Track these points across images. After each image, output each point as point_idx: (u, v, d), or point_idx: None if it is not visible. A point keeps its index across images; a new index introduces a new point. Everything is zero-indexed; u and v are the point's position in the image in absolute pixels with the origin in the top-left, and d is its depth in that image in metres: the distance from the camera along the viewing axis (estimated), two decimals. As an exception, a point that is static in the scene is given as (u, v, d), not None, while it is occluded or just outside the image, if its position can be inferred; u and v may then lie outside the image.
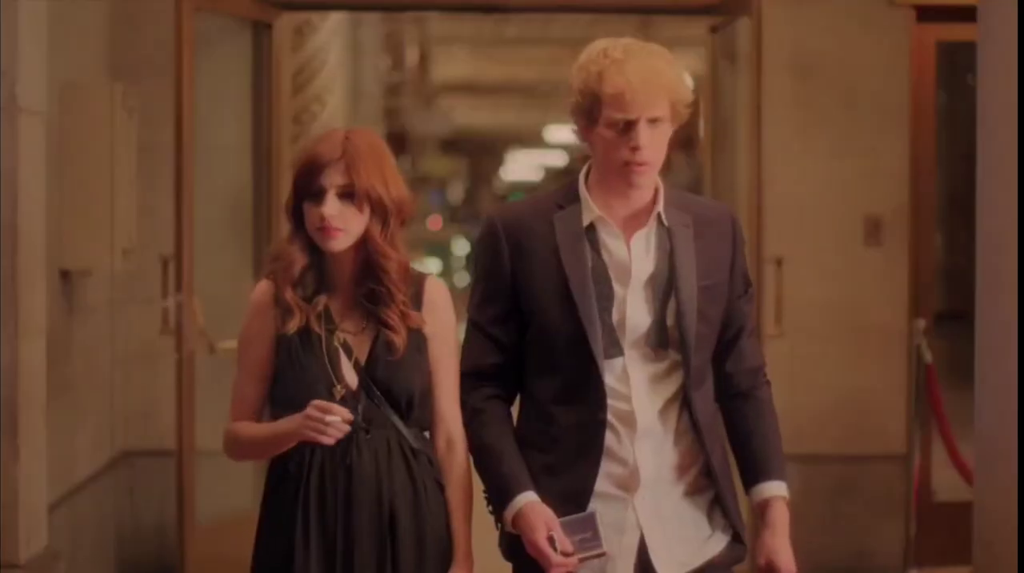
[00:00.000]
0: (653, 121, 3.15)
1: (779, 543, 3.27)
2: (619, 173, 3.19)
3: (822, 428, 6.81)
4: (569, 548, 3.13)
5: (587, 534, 3.14)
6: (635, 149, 3.14)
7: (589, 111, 3.18)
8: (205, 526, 6.28)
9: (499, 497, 3.23)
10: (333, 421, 3.12)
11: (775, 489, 3.31)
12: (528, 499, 3.19)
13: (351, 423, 3.21)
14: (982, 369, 4.49)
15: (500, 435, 3.27)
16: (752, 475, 3.32)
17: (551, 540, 3.14)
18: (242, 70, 6.93)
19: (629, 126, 3.14)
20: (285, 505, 3.27)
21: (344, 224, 3.23)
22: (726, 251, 3.29)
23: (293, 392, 3.23)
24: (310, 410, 3.14)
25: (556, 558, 3.12)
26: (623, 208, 3.24)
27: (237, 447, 3.35)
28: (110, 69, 6.54)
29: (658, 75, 3.15)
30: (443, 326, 3.35)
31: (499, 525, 3.28)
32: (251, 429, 3.31)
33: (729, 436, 3.36)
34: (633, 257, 3.22)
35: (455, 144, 26.58)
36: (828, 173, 6.89)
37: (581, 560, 3.13)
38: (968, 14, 4.96)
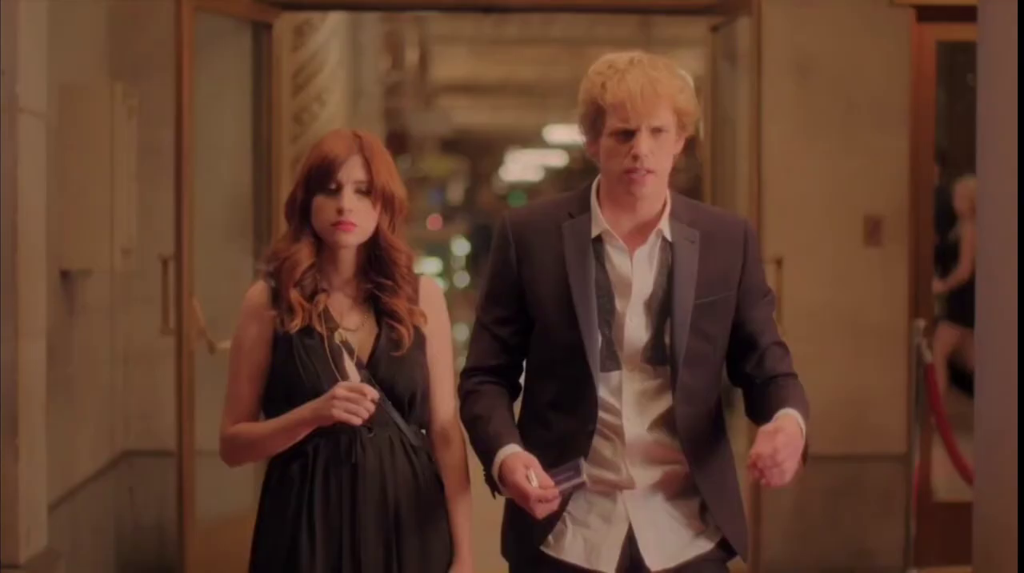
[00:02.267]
0: (655, 131, 3.17)
1: (770, 434, 3.06)
2: (621, 181, 3.20)
3: (822, 428, 6.79)
4: (548, 483, 3.09)
5: (570, 472, 3.11)
6: (636, 157, 3.16)
7: (593, 122, 3.22)
8: (205, 526, 6.28)
9: (487, 458, 3.21)
10: (364, 402, 3.15)
11: (786, 412, 3.14)
12: (511, 450, 3.17)
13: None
14: (982, 369, 4.48)
15: (490, 405, 3.27)
16: (770, 414, 3.17)
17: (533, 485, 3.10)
18: (242, 70, 6.93)
19: (630, 135, 3.16)
20: (288, 505, 3.28)
21: (359, 219, 3.27)
22: (734, 265, 3.28)
23: (296, 391, 3.24)
24: (340, 391, 3.16)
25: (534, 490, 3.09)
26: (629, 222, 3.25)
27: (239, 450, 3.35)
28: (110, 69, 6.54)
29: (659, 84, 3.17)
30: (439, 325, 3.39)
31: (495, 493, 3.26)
32: (256, 427, 3.31)
33: (757, 417, 3.29)
34: (635, 273, 3.23)
35: (455, 144, 26.58)
36: (828, 173, 6.89)
37: (562, 492, 3.09)
38: (968, 14, 4.96)
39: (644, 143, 3.15)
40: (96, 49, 6.45)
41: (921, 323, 6.64)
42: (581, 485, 3.11)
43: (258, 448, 3.33)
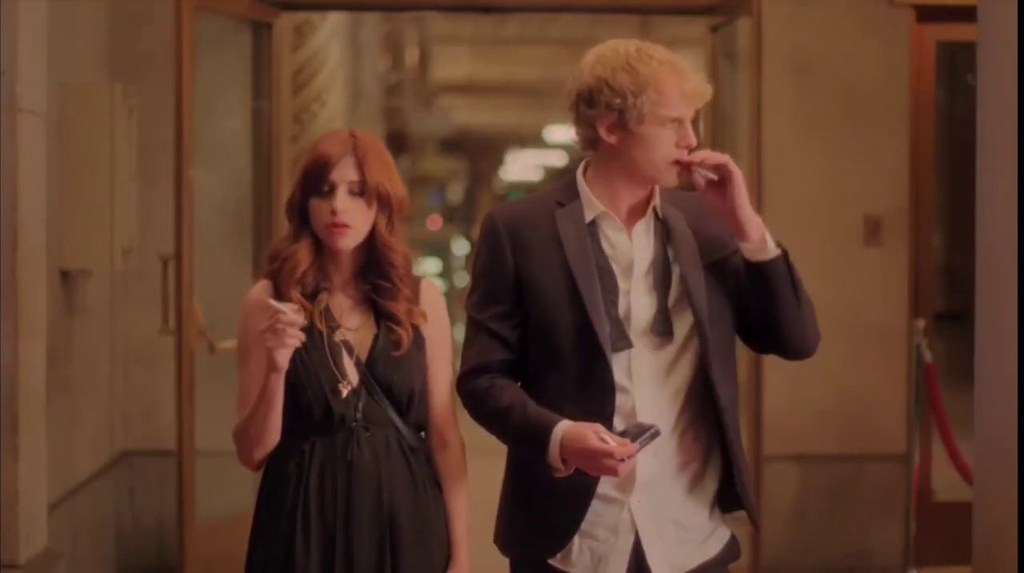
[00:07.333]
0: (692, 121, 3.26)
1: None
2: (664, 171, 3.22)
3: (822, 428, 6.81)
4: (623, 441, 3.04)
5: (637, 430, 3.07)
6: (690, 146, 3.22)
7: (636, 109, 3.18)
8: (205, 526, 6.28)
9: (536, 442, 3.14)
10: (282, 318, 3.10)
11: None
12: (566, 425, 3.12)
13: (347, 420, 3.23)
14: (982, 369, 4.48)
15: (518, 395, 3.22)
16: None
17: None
18: (242, 70, 6.93)
19: (680, 123, 3.22)
20: (284, 503, 3.28)
21: (353, 220, 3.26)
22: (726, 230, 3.27)
23: (297, 389, 3.24)
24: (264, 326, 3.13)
25: (618, 448, 3.03)
26: (627, 203, 3.26)
27: (244, 440, 3.28)
28: (110, 69, 6.55)
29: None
30: (438, 328, 3.39)
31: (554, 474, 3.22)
32: (247, 411, 3.27)
33: (753, 315, 3.30)
34: (635, 247, 3.25)
35: (455, 144, 26.56)
36: (828, 173, 6.89)
37: (642, 444, 3.05)
38: (968, 14, 4.96)
39: (692, 133, 3.24)
40: (96, 49, 6.46)
41: (921, 323, 6.64)
42: (656, 434, 3.06)
43: (254, 426, 3.24)
